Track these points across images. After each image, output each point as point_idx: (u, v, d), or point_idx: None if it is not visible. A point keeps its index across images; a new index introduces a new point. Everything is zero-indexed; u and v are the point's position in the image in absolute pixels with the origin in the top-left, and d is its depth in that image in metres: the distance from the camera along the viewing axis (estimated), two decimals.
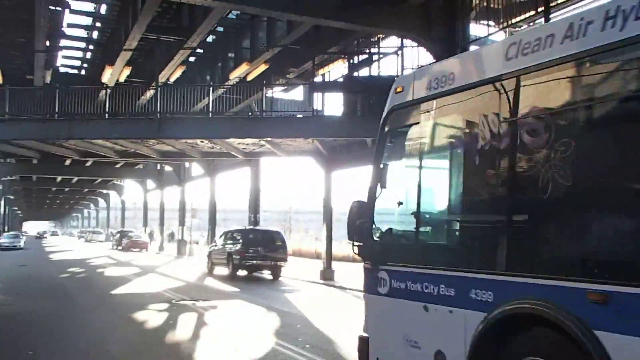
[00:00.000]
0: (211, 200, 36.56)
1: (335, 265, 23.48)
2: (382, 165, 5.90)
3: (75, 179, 53.25)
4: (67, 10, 22.77)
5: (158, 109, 20.82)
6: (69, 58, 30.18)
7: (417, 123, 5.69)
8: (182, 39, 22.20)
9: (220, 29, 24.61)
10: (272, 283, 20.86)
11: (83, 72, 31.48)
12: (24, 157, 28.78)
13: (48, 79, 26.56)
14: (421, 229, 5.75)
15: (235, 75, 24.99)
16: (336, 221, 23.84)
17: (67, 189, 67.52)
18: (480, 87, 4.83)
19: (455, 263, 4.96)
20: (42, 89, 24.36)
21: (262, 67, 24.14)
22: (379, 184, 5.85)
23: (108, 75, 25.61)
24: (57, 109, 21.16)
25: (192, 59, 26.86)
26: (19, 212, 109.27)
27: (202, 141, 22.94)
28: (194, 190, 43.78)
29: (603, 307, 3.61)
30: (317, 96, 24.27)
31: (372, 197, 5.91)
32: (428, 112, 5.50)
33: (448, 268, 4.95)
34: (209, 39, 25.06)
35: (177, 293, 16.02)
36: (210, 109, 21.30)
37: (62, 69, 30.46)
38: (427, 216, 5.77)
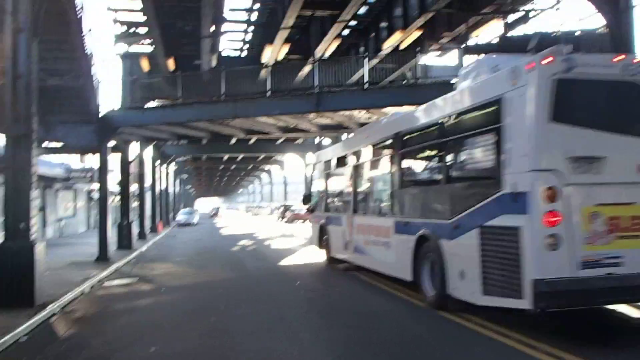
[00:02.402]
0: None
1: None
2: (311, 180, 21.52)
3: (240, 156, 56.18)
4: None
5: (316, 84, 21.29)
6: (231, 41, 31.76)
7: (316, 167, 18.66)
8: (336, 13, 22.50)
9: None
10: None
11: (244, 53, 32.95)
12: (194, 138, 30.81)
13: (214, 63, 28.10)
14: (318, 202, 17.85)
15: (388, 44, 24.92)
16: None
17: (233, 167, 71.58)
18: (322, 161, 17.81)
19: (323, 211, 17.15)
20: (209, 73, 25.89)
21: (415, 34, 23.84)
22: (310, 186, 21.47)
23: (268, 55, 26.68)
24: (223, 90, 22.35)
25: (345, 32, 27.11)
26: (192, 189, 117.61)
27: (359, 112, 23.08)
28: None
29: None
30: (471, 59, 23.53)
31: (309, 189, 21.99)
32: (317, 164, 18.41)
33: (322, 214, 17.26)
34: (362, 10, 25.13)
35: (341, 263, 16.27)
36: (366, 80, 21.38)
37: (225, 52, 32.11)
38: (319, 197, 17.90)
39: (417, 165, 11.29)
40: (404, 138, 11.02)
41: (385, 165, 12.28)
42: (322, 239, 16.88)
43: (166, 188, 49.70)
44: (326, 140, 42.05)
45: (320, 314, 9.86)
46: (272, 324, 8.90)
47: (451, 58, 29.53)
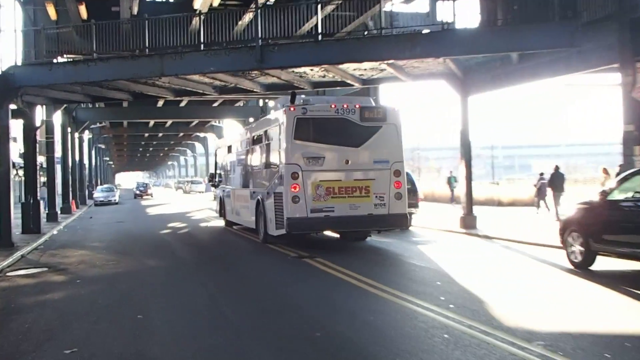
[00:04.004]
0: None
1: (476, 210, 22.74)
2: (215, 162, 30.11)
3: (169, 122, 55.64)
4: None
5: (259, 35, 20.99)
6: None
7: (217, 152, 30.51)
8: None
9: None
10: (401, 233, 20.35)
11: None
12: (113, 100, 30.25)
13: (135, 10, 27.51)
14: (219, 178, 27.97)
15: None
16: (476, 157, 23.17)
17: (160, 134, 70.55)
18: (220, 147, 29.57)
19: (221, 186, 26.92)
20: (129, 22, 25.30)
21: None
22: (215, 166, 29.64)
23: (200, 0, 26.21)
24: (147, 43, 21.83)
25: None
26: (111, 162, 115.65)
27: (311, 69, 22.95)
28: None
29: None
30: (445, 6, 23.52)
31: (215, 169, 29.40)
32: (217, 150, 30.62)
33: (221, 188, 27.09)
34: None
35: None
36: (320, 31, 21.16)
37: None
38: (220, 175, 27.88)
39: (257, 157, 19.69)
40: (253, 139, 20.43)
41: (246, 155, 21.38)
42: (222, 207, 26.21)
43: (80, 160, 48.79)
44: (272, 103, 41.88)
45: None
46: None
47: (421, 4, 29.66)
